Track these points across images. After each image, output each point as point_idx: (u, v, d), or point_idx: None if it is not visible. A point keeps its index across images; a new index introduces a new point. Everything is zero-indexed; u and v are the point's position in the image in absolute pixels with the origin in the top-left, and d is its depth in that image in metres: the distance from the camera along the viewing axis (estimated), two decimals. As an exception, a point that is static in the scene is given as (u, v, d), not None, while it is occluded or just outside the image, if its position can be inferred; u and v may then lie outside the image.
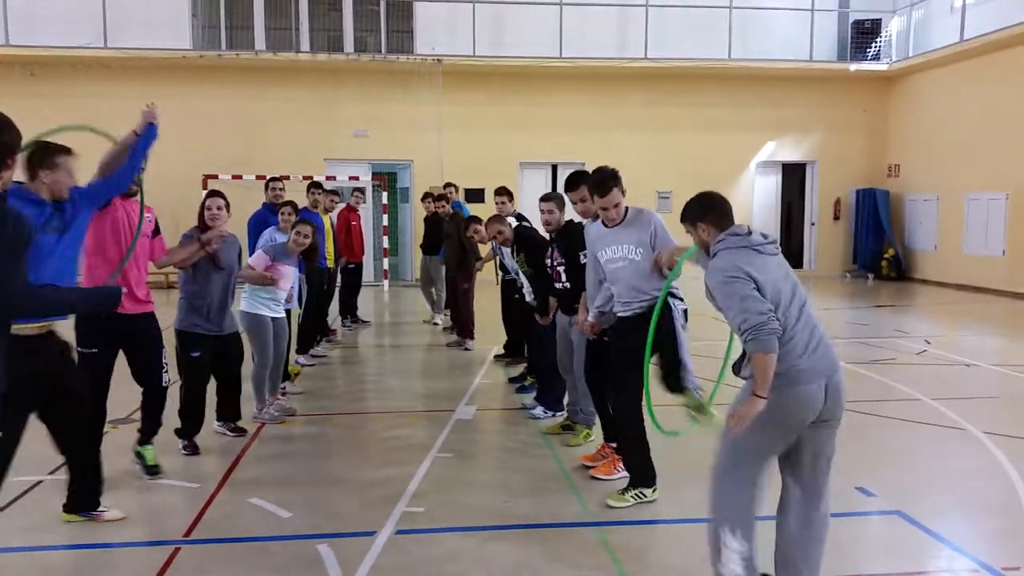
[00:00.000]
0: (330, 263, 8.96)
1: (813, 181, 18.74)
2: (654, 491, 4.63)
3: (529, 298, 6.67)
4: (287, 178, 9.25)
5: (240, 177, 14.98)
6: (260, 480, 4.98)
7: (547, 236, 5.98)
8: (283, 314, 6.35)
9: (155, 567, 3.74)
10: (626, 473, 4.85)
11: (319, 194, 8.85)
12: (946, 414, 6.51)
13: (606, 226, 4.65)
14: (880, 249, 17.87)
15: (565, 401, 6.20)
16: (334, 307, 10.19)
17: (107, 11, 15.43)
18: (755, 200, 18.39)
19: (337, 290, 10.30)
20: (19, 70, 15.54)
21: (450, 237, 9.64)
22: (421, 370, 8.88)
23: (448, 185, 11.15)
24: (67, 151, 3.93)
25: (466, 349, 9.39)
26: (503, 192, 8.28)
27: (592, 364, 5.13)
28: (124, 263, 4.52)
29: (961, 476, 5.14)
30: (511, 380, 7.73)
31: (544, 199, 5.78)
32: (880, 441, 5.92)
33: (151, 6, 16.00)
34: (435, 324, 11.29)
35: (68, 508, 4.19)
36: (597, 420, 5.51)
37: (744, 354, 3.28)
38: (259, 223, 7.44)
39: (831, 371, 3.28)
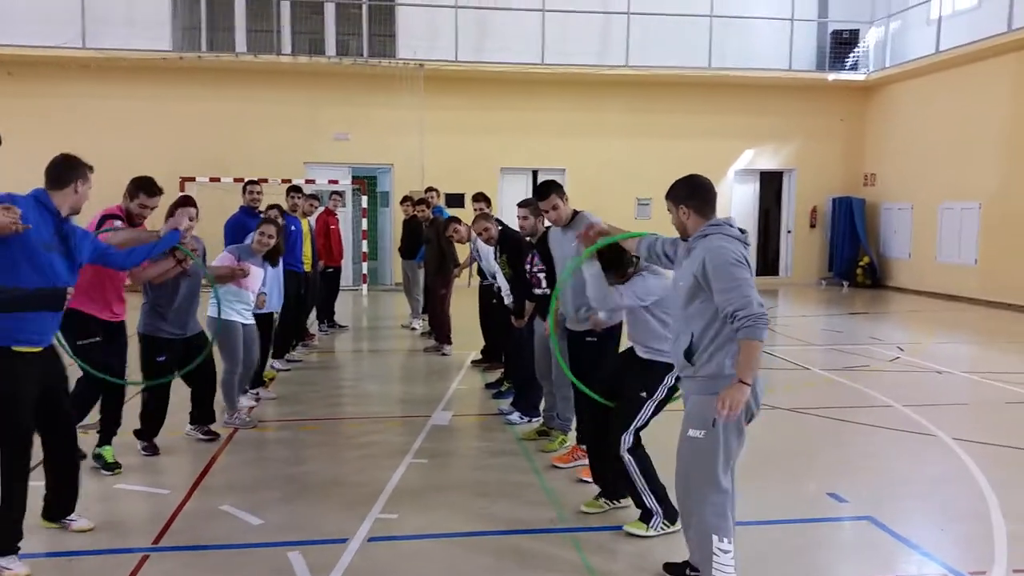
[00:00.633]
0: (307, 267, 8.91)
1: (790, 189, 18.91)
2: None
3: (508, 300, 6.73)
4: (265, 181, 9.17)
5: (218, 180, 14.88)
6: (231, 486, 4.93)
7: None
8: (253, 320, 6.31)
9: (123, 573, 3.69)
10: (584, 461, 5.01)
11: (298, 198, 8.80)
12: (917, 420, 6.58)
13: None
14: (855, 257, 18.06)
15: (541, 407, 6.21)
16: (312, 311, 10.15)
17: (86, 11, 15.27)
18: (733, 207, 18.48)
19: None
20: (-5, 69, 15.35)
21: (430, 242, 9.62)
22: (398, 375, 8.84)
23: (430, 189, 11.14)
24: (91, 168, 4.00)
25: (443, 354, 9.38)
26: (480, 198, 8.28)
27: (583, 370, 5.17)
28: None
29: (931, 482, 5.20)
30: (488, 386, 7.72)
31: (521, 205, 5.88)
32: (852, 447, 5.99)
33: (131, 6, 15.87)
34: (413, 329, 11.26)
35: (47, 515, 4.15)
36: (573, 426, 5.54)
37: (692, 345, 3.37)
38: (236, 226, 7.39)
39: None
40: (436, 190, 11.29)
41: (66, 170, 3.83)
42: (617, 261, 4.24)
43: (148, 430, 5.48)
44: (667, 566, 3.79)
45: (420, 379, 8.40)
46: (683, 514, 3.60)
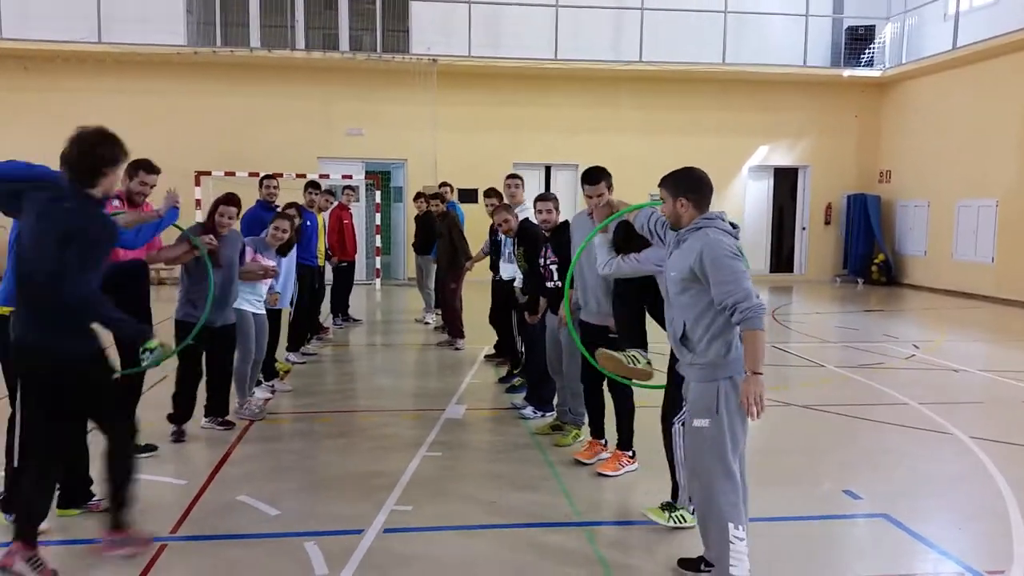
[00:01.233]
0: (321, 261, 8.95)
1: (805, 186, 18.81)
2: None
3: (519, 284, 6.76)
4: (280, 176, 9.20)
5: (233, 174, 14.94)
6: (248, 477, 4.97)
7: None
8: (263, 311, 6.38)
9: (141, 563, 3.73)
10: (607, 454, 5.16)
11: (315, 194, 8.85)
12: (933, 418, 6.54)
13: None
14: (870, 254, 17.95)
15: (555, 402, 6.21)
16: (325, 305, 10.19)
17: (101, 6, 15.34)
18: (747, 204, 18.45)
19: (328, 288, 10.30)
20: (12, 64, 15.46)
21: (442, 236, 9.64)
22: (411, 369, 8.87)
23: (443, 185, 11.15)
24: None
25: (456, 349, 9.39)
26: (493, 193, 8.28)
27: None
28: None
29: (947, 480, 5.17)
30: (501, 380, 7.73)
31: (542, 199, 5.87)
32: (867, 445, 5.96)
33: (146, 2, 15.91)
34: (426, 323, 11.29)
35: (62, 504, 4.19)
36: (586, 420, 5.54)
37: (684, 331, 3.43)
38: (252, 220, 7.42)
39: None
40: (450, 185, 11.31)
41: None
42: (630, 238, 4.30)
43: (179, 415, 5.68)
44: (682, 561, 3.79)
45: (433, 373, 8.42)
46: (696, 507, 3.61)
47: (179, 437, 5.64)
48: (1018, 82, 14.30)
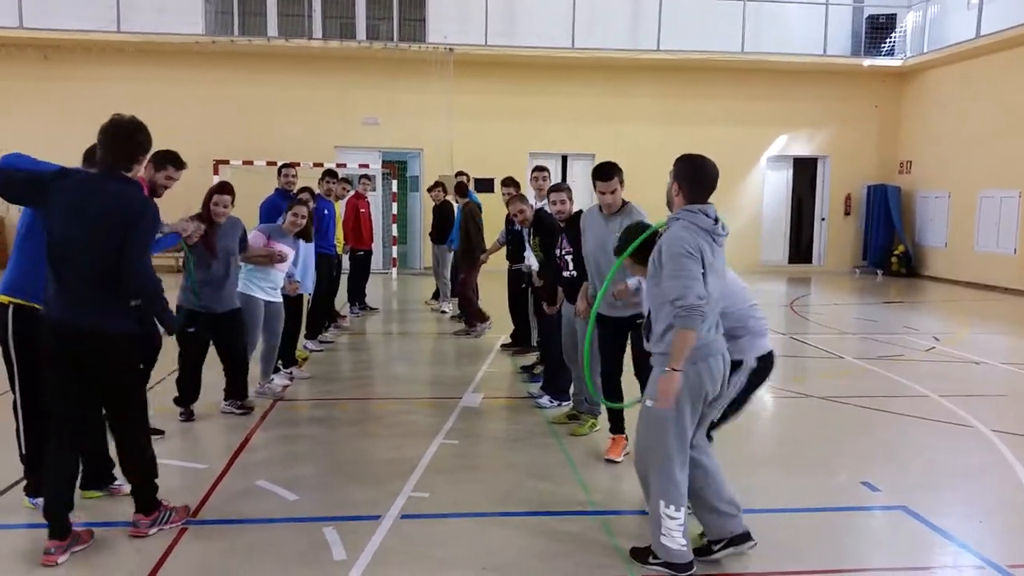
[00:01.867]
0: (339, 250, 8.99)
1: (824, 176, 18.64)
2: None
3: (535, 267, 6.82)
4: (297, 165, 9.25)
5: (251, 163, 15.03)
6: (267, 462, 5.01)
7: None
8: (279, 298, 6.41)
9: (161, 547, 3.78)
10: None
11: (332, 182, 8.88)
12: (954, 411, 6.48)
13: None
14: (890, 245, 17.78)
15: (571, 391, 6.21)
16: (342, 294, 10.24)
17: (120, -5, 15.45)
18: (765, 194, 18.33)
19: (345, 276, 10.33)
20: (33, 53, 15.59)
21: (462, 226, 9.60)
22: (428, 357, 8.90)
23: (460, 174, 11.15)
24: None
25: (476, 335, 9.42)
26: (510, 183, 8.26)
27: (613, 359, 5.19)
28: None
29: (968, 473, 5.12)
30: (523, 368, 7.73)
31: (556, 189, 5.87)
32: (887, 437, 5.91)
33: (165, -9, 16.01)
34: (443, 312, 11.32)
35: (84, 485, 4.24)
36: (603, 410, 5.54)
37: (648, 322, 3.57)
38: (271, 208, 7.47)
39: (723, 347, 3.58)
40: (466, 174, 11.31)
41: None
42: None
43: (184, 398, 5.83)
44: (634, 551, 3.79)
45: (450, 361, 8.45)
46: (640, 482, 3.70)
47: (188, 418, 5.79)
48: (1043, 71, 14.08)
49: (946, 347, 9.43)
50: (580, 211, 5.69)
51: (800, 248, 19.18)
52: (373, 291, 12.22)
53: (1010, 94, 14.87)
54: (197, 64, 16.10)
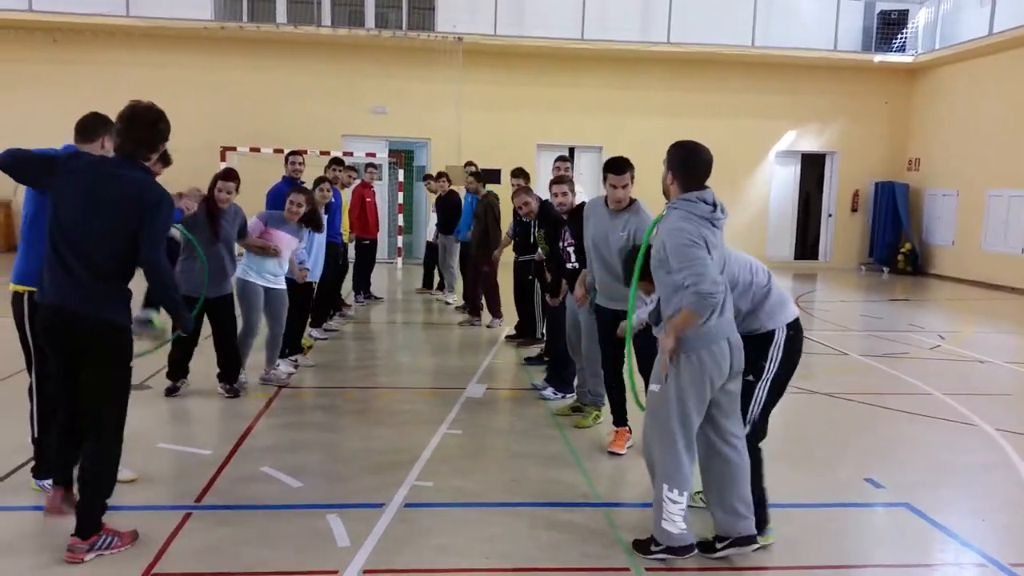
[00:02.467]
0: (346, 238, 8.99)
1: (832, 172, 18.57)
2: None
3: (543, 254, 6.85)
4: (305, 152, 9.23)
5: (258, 150, 15.02)
6: (271, 449, 5.03)
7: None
8: (281, 285, 6.44)
9: (165, 531, 3.79)
10: None
11: (339, 170, 8.87)
12: (957, 409, 6.48)
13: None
14: (897, 243, 17.73)
15: (575, 383, 6.21)
16: (347, 283, 10.24)
17: (130, -21, 15.42)
18: (773, 189, 18.27)
19: (350, 265, 10.33)
20: (41, 36, 15.58)
21: (478, 217, 9.54)
22: (432, 348, 8.90)
23: (468, 164, 11.13)
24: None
25: (489, 326, 9.43)
26: (520, 173, 8.24)
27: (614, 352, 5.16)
28: None
29: (970, 470, 5.12)
30: (528, 360, 7.74)
31: (557, 181, 5.89)
32: (891, 434, 5.91)
33: (174, -24, 15.97)
34: (447, 303, 11.32)
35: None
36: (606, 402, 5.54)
37: (658, 308, 3.59)
38: (277, 195, 7.44)
39: (730, 331, 3.54)
40: (474, 165, 11.27)
41: (94, 124, 3.94)
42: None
43: (174, 372, 6.14)
44: (635, 543, 3.80)
45: (454, 352, 8.46)
46: (647, 466, 3.72)
47: (170, 392, 6.04)
48: (1055, 70, 13.99)
49: (951, 345, 9.41)
50: (583, 203, 5.68)
51: (806, 244, 19.14)
52: (378, 280, 12.22)
53: (1021, 93, 14.77)
54: (205, 49, 16.08)
